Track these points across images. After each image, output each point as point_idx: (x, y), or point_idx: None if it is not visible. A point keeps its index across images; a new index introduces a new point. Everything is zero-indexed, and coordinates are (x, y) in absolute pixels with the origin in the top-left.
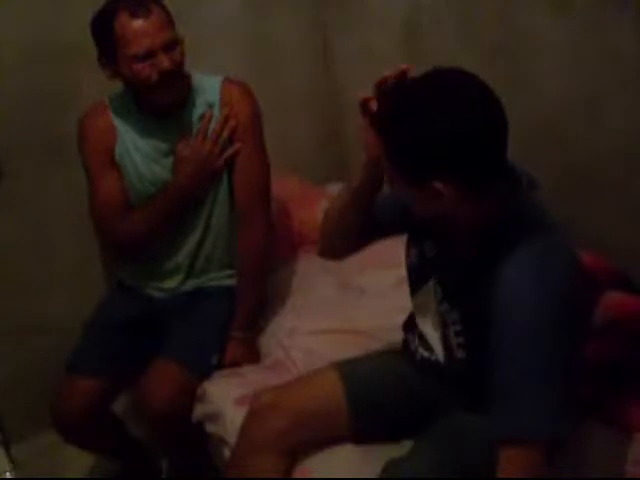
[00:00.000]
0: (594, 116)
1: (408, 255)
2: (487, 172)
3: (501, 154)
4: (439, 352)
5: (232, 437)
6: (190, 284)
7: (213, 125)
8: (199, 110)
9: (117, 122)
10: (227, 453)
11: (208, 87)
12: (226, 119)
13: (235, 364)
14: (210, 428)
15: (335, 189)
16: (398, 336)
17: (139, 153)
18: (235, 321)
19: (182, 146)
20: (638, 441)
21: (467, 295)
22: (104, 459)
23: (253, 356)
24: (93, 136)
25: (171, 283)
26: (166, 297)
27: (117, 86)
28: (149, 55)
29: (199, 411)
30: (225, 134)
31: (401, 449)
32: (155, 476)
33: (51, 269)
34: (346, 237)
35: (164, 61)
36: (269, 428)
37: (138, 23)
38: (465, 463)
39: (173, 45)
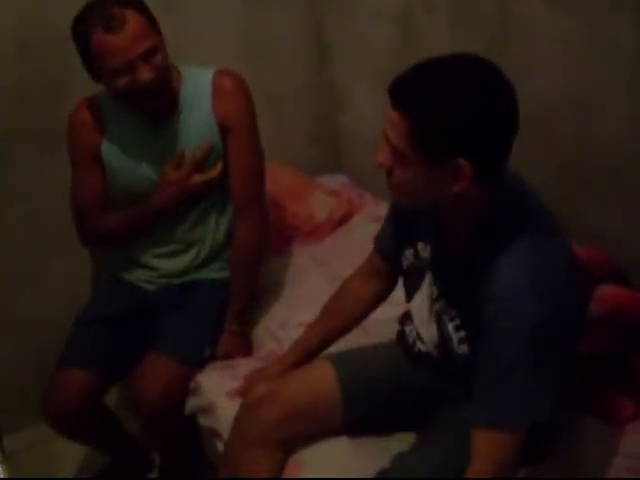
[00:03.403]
0: (590, 110)
1: (403, 259)
2: (504, 155)
3: (513, 140)
4: (437, 350)
5: (225, 429)
6: (185, 278)
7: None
8: (191, 109)
9: (106, 119)
10: (220, 446)
11: (200, 81)
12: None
13: (228, 357)
14: (203, 421)
15: (328, 181)
16: (391, 328)
17: (127, 153)
18: (228, 314)
19: (171, 169)
20: (629, 434)
21: (464, 290)
22: (96, 452)
23: (246, 349)
24: (79, 131)
25: (168, 279)
26: (158, 289)
27: None
28: (128, 68)
29: (192, 404)
30: (216, 172)
31: (395, 442)
32: (147, 469)
33: (43, 262)
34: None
35: (144, 73)
36: (263, 420)
37: (113, 38)
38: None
39: (153, 52)
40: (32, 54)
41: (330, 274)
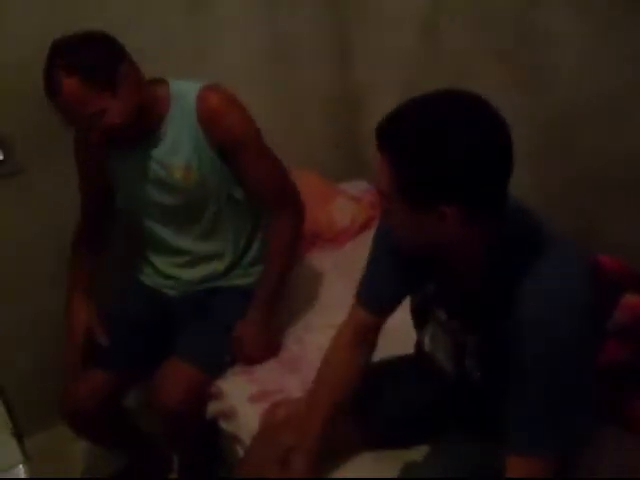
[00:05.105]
0: (612, 117)
1: (412, 299)
2: (495, 197)
3: (508, 181)
4: (453, 370)
5: (245, 435)
6: (207, 285)
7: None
8: (179, 129)
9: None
10: (240, 450)
11: (184, 102)
12: None
13: (251, 359)
14: (224, 425)
15: (350, 187)
16: (412, 335)
17: (123, 174)
18: (252, 302)
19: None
20: None
21: (483, 319)
22: (114, 453)
23: (266, 344)
24: (82, 151)
25: (189, 286)
26: (180, 295)
27: None
28: (77, 127)
29: (213, 408)
30: None
31: (414, 454)
32: (165, 472)
33: (66, 263)
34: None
35: (90, 135)
36: (280, 445)
37: (53, 101)
38: (482, 470)
39: (98, 116)
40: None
41: (352, 279)
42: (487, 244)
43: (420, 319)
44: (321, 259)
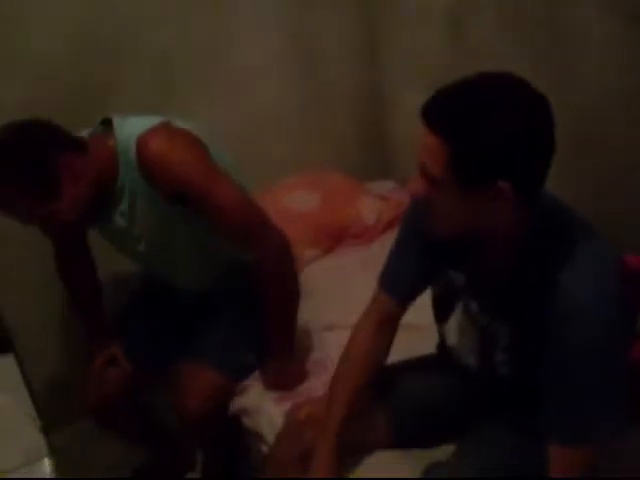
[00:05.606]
0: None
1: (434, 288)
2: (545, 174)
3: (552, 159)
4: (479, 366)
5: (268, 432)
6: (214, 291)
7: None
8: (129, 177)
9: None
10: (263, 448)
11: (128, 146)
12: None
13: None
14: (247, 422)
15: (377, 187)
16: (432, 332)
17: (102, 229)
18: (266, 354)
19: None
20: None
21: (517, 310)
22: (137, 449)
23: (295, 381)
24: None
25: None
26: (189, 298)
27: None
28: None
29: (237, 404)
30: None
31: (437, 454)
32: (188, 468)
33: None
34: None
35: (45, 232)
36: (304, 443)
37: None
38: (508, 467)
39: (30, 213)
40: (81, 54)
41: (377, 276)
42: (526, 230)
43: (443, 311)
44: (347, 255)
